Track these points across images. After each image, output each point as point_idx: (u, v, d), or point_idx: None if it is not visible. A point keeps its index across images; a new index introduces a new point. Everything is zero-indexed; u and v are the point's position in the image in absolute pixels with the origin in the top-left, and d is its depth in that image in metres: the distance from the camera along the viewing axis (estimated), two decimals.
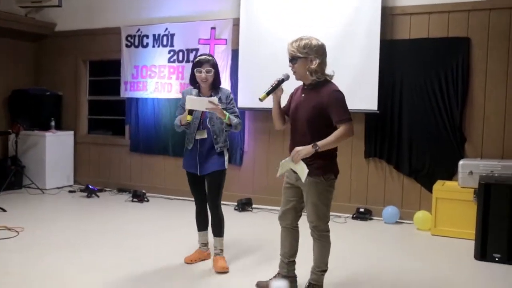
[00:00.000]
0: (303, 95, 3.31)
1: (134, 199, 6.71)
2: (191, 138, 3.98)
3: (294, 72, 3.30)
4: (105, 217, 5.81)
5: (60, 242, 4.70)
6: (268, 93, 3.34)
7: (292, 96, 3.45)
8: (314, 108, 3.20)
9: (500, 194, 4.34)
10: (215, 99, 3.77)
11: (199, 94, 3.96)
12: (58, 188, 7.44)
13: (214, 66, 3.94)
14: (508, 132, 5.29)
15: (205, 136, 3.93)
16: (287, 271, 3.51)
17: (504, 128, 5.31)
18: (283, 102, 3.49)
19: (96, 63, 7.97)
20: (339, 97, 3.20)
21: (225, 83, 6.46)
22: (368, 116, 5.81)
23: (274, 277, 3.58)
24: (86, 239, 4.84)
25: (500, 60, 5.29)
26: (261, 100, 3.34)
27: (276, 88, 3.35)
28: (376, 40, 5.62)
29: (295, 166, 3.22)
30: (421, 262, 4.34)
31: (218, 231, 4.09)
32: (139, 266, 4.06)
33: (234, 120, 3.92)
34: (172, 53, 6.94)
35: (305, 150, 3.14)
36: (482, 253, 4.37)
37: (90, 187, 6.99)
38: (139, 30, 7.16)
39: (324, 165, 3.22)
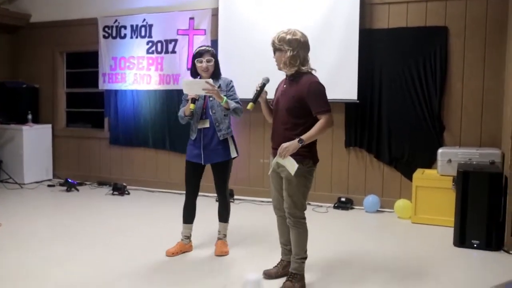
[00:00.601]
0: (285, 85, 3.46)
1: (115, 192, 6.65)
2: (194, 128, 4.04)
3: (276, 63, 3.45)
4: (86, 211, 5.75)
5: (39, 238, 4.63)
6: (254, 101, 3.47)
7: (276, 89, 3.59)
8: (294, 98, 3.31)
9: (478, 182, 4.40)
10: (210, 80, 3.83)
11: None
12: (36, 182, 7.34)
13: (214, 56, 4.06)
14: (486, 120, 5.36)
15: (207, 125, 4.00)
16: (285, 256, 3.65)
17: (481, 116, 5.38)
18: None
19: (73, 54, 7.84)
20: (318, 88, 3.31)
21: None
22: (348, 105, 5.83)
23: (279, 263, 3.69)
24: (66, 234, 4.78)
25: (477, 49, 5.35)
26: (250, 109, 3.46)
27: (259, 94, 3.49)
28: (355, 30, 5.63)
29: (283, 161, 3.27)
30: (401, 249, 4.39)
31: (225, 217, 4.24)
32: (121, 260, 4.03)
33: (232, 104, 3.95)
34: (150, 44, 6.86)
35: (292, 146, 3.21)
36: (461, 240, 4.43)
37: (70, 181, 6.90)
38: (116, 21, 7.05)
39: (302, 152, 3.28)
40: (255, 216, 5.51)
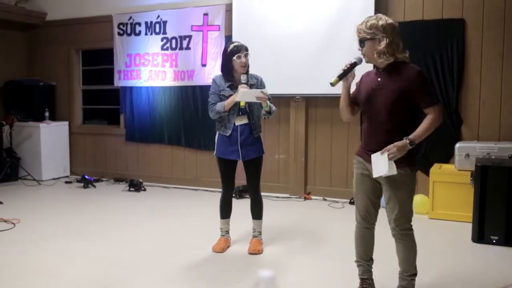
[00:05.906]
0: (379, 79, 2.97)
1: (131, 189, 6.69)
2: (230, 125, 4.01)
3: (364, 56, 2.99)
4: (103, 207, 5.80)
5: (56, 234, 4.68)
6: (340, 77, 3.03)
7: (361, 82, 3.12)
8: (394, 92, 2.87)
9: (497, 176, 4.33)
10: (265, 90, 3.87)
11: (233, 83, 3.99)
12: (54, 179, 7.43)
13: (248, 50, 3.99)
14: (504, 114, 5.27)
15: (246, 121, 4.01)
16: (370, 273, 3.29)
17: (500, 110, 5.29)
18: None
19: (88, 52, 7.90)
20: (425, 80, 2.96)
21: (219, 70, 6.40)
22: None
23: (365, 284, 3.26)
24: (83, 229, 4.83)
25: (495, 41, 5.25)
26: (332, 85, 3.02)
27: (348, 73, 3.04)
28: None
29: (382, 160, 2.85)
30: (419, 245, 4.30)
31: (259, 214, 4.25)
32: (139, 255, 4.05)
33: (273, 107, 4.02)
34: (165, 40, 6.87)
35: (403, 148, 2.80)
36: (480, 236, 4.37)
37: (87, 177, 6.96)
38: (131, 17, 7.08)
39: (409, 155, 2.89)
40: (270, 211, 5.48)
